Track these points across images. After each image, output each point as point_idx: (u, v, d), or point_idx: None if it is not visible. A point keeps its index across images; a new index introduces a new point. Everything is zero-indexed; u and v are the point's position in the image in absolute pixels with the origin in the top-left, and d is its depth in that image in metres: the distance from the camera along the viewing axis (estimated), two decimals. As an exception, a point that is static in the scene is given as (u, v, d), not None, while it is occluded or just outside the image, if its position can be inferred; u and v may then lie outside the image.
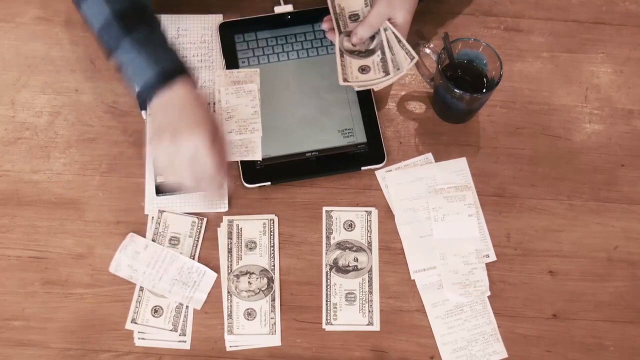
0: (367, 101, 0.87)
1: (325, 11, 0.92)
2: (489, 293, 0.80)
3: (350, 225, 0.83)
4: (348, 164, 0.85)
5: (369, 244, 0.82)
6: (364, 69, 0.82)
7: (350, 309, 0.79)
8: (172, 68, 0.73)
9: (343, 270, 0.81)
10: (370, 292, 0.80)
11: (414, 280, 0.81)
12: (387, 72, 0.81)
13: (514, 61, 0.92)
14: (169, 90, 0.72)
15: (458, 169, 0.85)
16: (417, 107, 0.90)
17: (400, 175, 0.85)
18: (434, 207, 0.83)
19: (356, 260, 0.81)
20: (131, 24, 0.73)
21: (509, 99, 0.90)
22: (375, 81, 0.81)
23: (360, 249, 0.82)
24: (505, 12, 0.95)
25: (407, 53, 0.80)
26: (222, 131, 0.75)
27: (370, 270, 0.81)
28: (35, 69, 0.89)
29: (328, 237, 0.82)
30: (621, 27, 0.94)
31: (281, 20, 0.91)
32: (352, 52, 0.83)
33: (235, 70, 0.88)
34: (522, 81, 0.91)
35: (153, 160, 0.82)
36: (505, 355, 0.78)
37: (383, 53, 0.81)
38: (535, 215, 0.84)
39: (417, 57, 0.80)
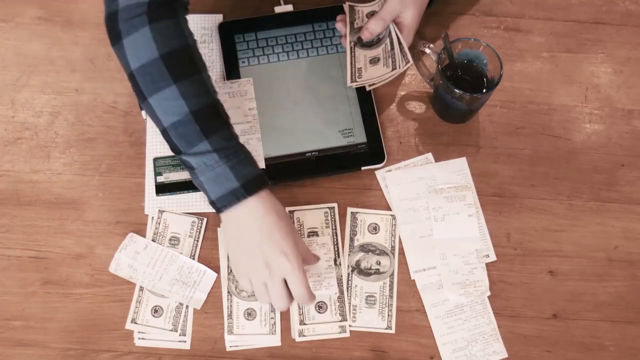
0: (367, 101, 0.87)
1: (325, 11, 0.92)
2: (489, 293, 0.80)
3: (375, 228, 0.83)
4: (348, 164, 0.85)
5: (392, 248, 0.82)
6: (372, 60, 0.82)
7: (370, 312, 0.79)
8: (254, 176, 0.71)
9: (365, 272, 0.81)
10: (391, 297, 0.80)
11: (414, 280, 0.81)
12: (394, 67, 0.82)
13: (514, 61, 0.92)
14: (255, 202, 0.71)
15: (458, 169, 0.85)
16: (417, 107, 0.90)
17: (400, 175, 0.85)
18: (434, 207, 0.83)
19: (379, 263, 0.81)
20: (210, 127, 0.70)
21: (509, 99, 0.90)
22: (380, 77, 0.82)
23: (383, 253, 0.82)
24: (505, 12, 0.95)
25: (403, 56, 0.82)
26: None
27: (392, 275, 0.81)
28: (35, 69, 0.89)
29: (352, 239, 0.82)
30: (621, 27, 0.94)
31: (281, 20, 0.91)
32: (362, 44, 0.84)
33: (229, 82, 0.87)
34: (522, 81, 0.91)
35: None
36: (505, 355, 0.78)
37: (392, 45, 0.82)
38: (535, 215, 0.84)
39: (411, 61, 0.82)
